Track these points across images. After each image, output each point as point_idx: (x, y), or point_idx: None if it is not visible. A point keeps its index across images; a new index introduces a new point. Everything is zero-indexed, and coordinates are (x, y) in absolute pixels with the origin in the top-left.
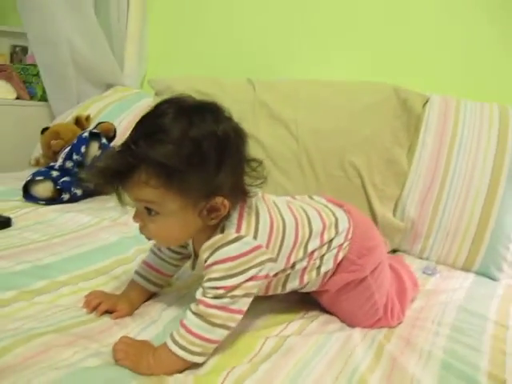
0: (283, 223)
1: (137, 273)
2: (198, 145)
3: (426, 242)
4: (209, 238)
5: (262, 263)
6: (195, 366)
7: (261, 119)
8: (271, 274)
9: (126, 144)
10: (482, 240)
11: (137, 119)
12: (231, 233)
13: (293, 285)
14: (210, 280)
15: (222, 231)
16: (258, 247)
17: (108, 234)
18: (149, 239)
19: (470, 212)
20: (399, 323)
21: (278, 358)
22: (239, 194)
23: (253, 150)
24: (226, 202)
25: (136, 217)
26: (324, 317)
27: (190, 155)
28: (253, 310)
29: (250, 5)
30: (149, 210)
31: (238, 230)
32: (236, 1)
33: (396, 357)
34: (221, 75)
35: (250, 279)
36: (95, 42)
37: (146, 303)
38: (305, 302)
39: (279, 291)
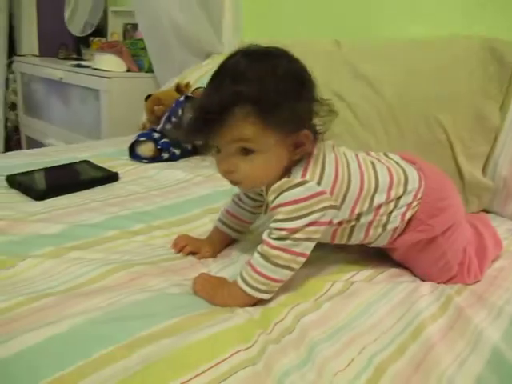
0: (348, 174)
1: (219, 220)
2: (285, 79)
3: None
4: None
5: (324, 209)
6: (265, 301)
7: (346, 77)
8: (335, 221)
9: (215, 86)
10: None
11: None
12: (296, 177)
13: (358, 238)
14: (274, 221)
15: (289, 176)
16: (322, 193)
17: (201, 188)
18: (235, 184)
19: None
20: (476, 282)
21: (342, 299)
22: (315, 132)
23: (337, 107)
24: (311, 135)
25: (224, 162)
26: (395, 270)
27: (280, 89)
28: (325, 258)
29: None
30: (244, 150)
31: (304, 175)
32: None
33: (463, 308)
34: (311, 38)
35: (312, 224)
36: (194, 15)
37: (228, 248)
38: (379, 255)
39: (344, 241)
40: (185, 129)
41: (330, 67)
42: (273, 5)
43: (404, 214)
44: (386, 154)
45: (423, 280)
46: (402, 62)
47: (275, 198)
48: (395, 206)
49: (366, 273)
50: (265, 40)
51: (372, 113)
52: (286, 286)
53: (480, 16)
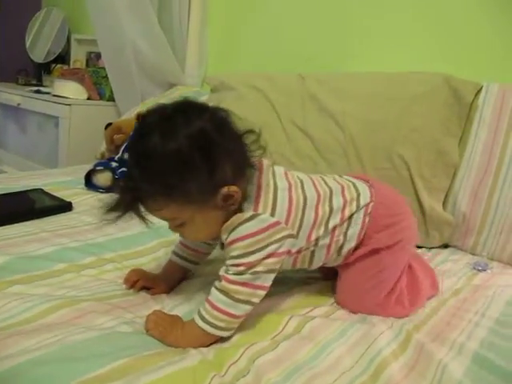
0: (304, 200)
1: (174, 253)
2: (180, 156)
3: (478, 237)
4: None
5: (281, 239)
6: (220, 340)
7: (310, 112)
8: (293, 250)
9: (127, 177)
10: None
11: None
12: (248, 212)
13: (319, 261)
14: (230, 258)
15: (241, 212)
16: (276, 223)
17: (156, 220)
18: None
19: None
20: (405, 315)
21: (299, 337)
22: (246, 171)
23: (301, 142)
24: (233, 188)
25: (171, 228)
26: None
27: (178, 169)
28: (281, 291)
29: (302, 4)
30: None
31: (255, 209)
32: (288, 2)
33: (424, 344)
34: (275, 72)
35: (270, 256)
36: (158, 45)
37: (183, 283)
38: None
39: (306, 266)
40: (112, 207)
41: (294, 102)
42: (238, 38)
43: (360, 231)
44: (340, 176)
45: (352, 300)
46: (366, 97)
47: (229, 234)
48: (349, 225)
49: (323, 309)
50: (229, 73)
51: (335, 147)
52: (242, 324)
53: (440, 53)
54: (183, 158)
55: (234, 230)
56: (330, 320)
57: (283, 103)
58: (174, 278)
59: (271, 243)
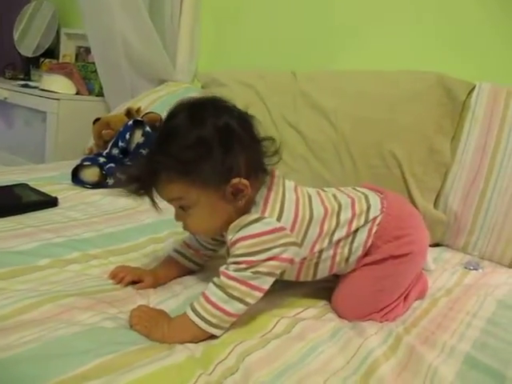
0: (310, 217)
1: (176, 251)
2: (202, 138)
3: (469, 236)
4: None
5: (285, 244)
6: (209, 338)
7: (302, 109)
8: (297, 259)
9: (149, 151)
10: None
11: None
12: (256, 214)
13: (323, 273)
14: (233, 256)
15: (249, 213)
16: (281, 229)
17: (145, 216)
18: (193, 234)
19: None
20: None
21: (289, 337)
22: (259, 173)
23: (293, 140)
24: (245, 181)
25: (176, 217)
26: None
27: (196, 148)
28: (273, 292)
29: (294, 2)
30: (182, 207)
31: (263, 212)
32: None
33: (414, 347)
34: (267, 69)
35: (273, 258)
36: (149, 40)
37: (173, 280)
38: (329, 291)
39: (310, 278)
40: (125, 182)
41: (286, 99)
42: (230, 34)
43: (366, 242)
44: (354, 188)
45: (347, 306)
46: (358, 94)
47: (234, 234)
48: (354, 238)
49: (314, 310)
50: (220, 69)
51: (327, 145)
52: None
53: (435, 52)
54: (204, 141)
55: (240, 229)
56: (321, 321)
57: (275, 100)
58: (164, 275)
59: (275, 247)
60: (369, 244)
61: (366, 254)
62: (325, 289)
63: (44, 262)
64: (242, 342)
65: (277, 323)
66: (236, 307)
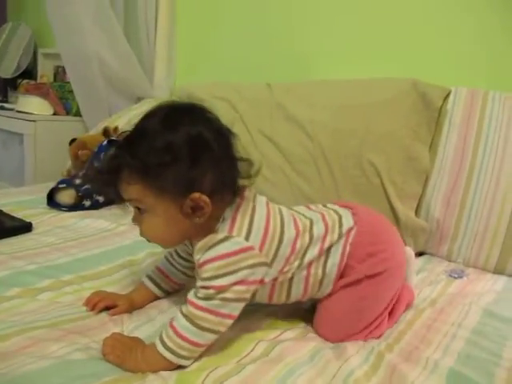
0: (281, 232)
1: (148, 277)
2: (170, 143)
3: (452, 243)
4: None
5: (253, 266)
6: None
7: (278, 121)
8: (266, 279)
9: (117, 147)
10: None
11: None
12: (223, 233)
13: (296, 295)
14: (201, 280)
15: (216, 232)
16: (250, 248)
17: (123, 238)
18: (148, 241)
19: (499, 212)
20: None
21: (267, 360)
22: (226, 193)
23: (270, 152)
24: (205, 198)
25: (133, 219)
26: None
27: (162, 153)
28: (251, 314)
29: (267, 15)
30: (138, 209)
31: (230, 231)
32: (254, 12)
33: (396, 365)
34: (243, 81)
35: (241, 282)
36: (124, 58)
37: (149, 305)
38: (308, 312)
39: (283, 300)
40: (92, 175)
41: (262, 111)
42: (206, 49)
43: (340, 263)
44: (324, 205)
45: (329, 328)
46: (333, 104)
47: (202, 255)
48: (327, 257)
49: (293, 332)
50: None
51: (304, 156)
52: (207, 347)
53: (409, 57)
54: (171, 148)
55: (207, 250)
56: (302, 341)
57: (251, 113)
58: (139, 301)
59: (243, 268)
60: (343, 264)
61: (342, 275)
62: (306, 310)
63: (14, 291)
64: (216, 368)
65: (255, 346)
66: (207, 338)
